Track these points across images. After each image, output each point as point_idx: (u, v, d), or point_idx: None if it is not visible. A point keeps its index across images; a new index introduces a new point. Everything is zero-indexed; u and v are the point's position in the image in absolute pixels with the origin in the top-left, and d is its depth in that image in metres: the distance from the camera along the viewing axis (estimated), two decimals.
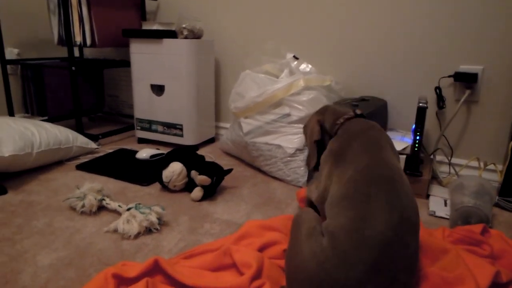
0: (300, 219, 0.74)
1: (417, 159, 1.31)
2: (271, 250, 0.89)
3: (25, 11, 2.07)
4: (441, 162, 1.54)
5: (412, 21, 1.49)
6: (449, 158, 1.52)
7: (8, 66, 1.92)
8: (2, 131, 1.32)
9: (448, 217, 1.17)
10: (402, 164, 1.33)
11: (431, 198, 1.30)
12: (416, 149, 1.30)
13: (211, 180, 1.23)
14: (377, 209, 0.64)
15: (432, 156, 1.52)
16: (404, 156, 1.33)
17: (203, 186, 1.25)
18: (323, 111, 1.04)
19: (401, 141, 1.38)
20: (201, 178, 1.22)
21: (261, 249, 0.89)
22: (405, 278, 0.60)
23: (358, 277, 0.58)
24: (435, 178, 1.49)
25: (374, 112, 1.41)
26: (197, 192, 1.24)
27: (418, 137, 1.29)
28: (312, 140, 1.00)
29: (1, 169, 1.30)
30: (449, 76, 1.46)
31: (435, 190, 1.37)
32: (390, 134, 1.47)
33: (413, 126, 1.31)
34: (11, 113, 1.90)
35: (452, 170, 1.51)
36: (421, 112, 1.27)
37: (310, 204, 0.99)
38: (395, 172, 0.73)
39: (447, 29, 1.44)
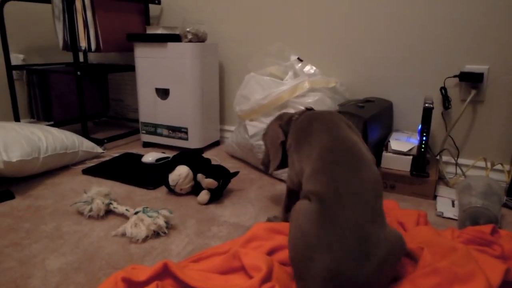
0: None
1: (423, 160, 1.31)
2: (280, 254, 0.89)
3: (29, 17, 2.09)
4: (447, 163, 1.53)
5: (416, 22, 1.49)
6: (456, 158, 1.51)
7: (14, 72, 1.93)
8: (9, 137, 1.32)
9: (456, 218, 1.16)
10: (408, 165, 1.33)
11: (438, 199, 1.29)
12: (422, 150, 1.30)
13: (218, 183, 1.23)
14: (343, 172, 0.78)
15: (438, 157, 1.52)
16: (411, 157, 1.33)
17: (209, 189, 1.25)
18: (279, 117, 1.13)
19: (407, 142, 1.38)
20: (207, 181, 1.22)
21: (270, 252, 0.89)
22: (368, 227, 0.72)
23: (341, 213, 0.73)
24: (442, 179, 1.48)
25: (379, 113, 1.41)
26: (204, 195, 1.24)
27: (424, 138, 1.29)
28: (278, 142, 1.06)
29: (9, 174, 1.31)
30: (455, 76, 1.45)
31: (442, 191, 1.36)
32: (395, 135, 1.47)
33: (419, 127, 1.30)
34: (17, 119, 1.91)
35: (459, 171, 1.51)
36: (427, 113, 1.27)
37: (290, 192, 1.05)
38: (355, 145, 0.85)
39: (452, 29, 1.44)
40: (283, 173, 1.43)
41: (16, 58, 2.04)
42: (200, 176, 1.25)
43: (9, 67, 1.84)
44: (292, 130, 1.03)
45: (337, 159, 0.82)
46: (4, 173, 1.29)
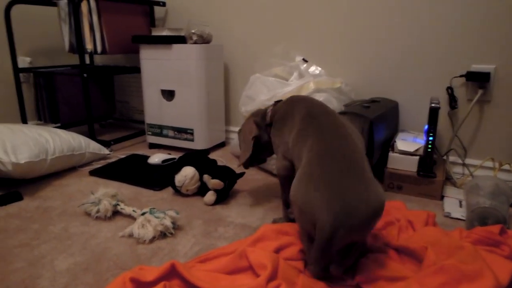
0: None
1: (430, 160, 1.30)
2: (286, 251, 0.89)
3: (36, 20, 2.10)
4: (454, 163, 1.52)
5: (422, 21, 1.48)
6: (463, 158, 1.50)
7: (21, 74, 1.95)
8: (18, 139, 1.34)
9: (464, 218, 1.15)
10: (415, 166, 1.32)
11: (445, 199, 1.29)
12: (429, 150, 1.30)
13: (224, 184, 1.23)
14: (328, 136, 0.89)
15: (445, 157, 1.51)
16: (417, 158, 1.32)
17: (216, 190, 1.25)
18: (254, 113, 1.20)
19: (414, 142, 1.37)
20: (214, 182, 1.23)
21: (277, 250, 0.89)
22: (368, 174, 0.82)
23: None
24: (449, 179, 1.48)
25: (385, 113, 1.40)
26: (210, 196, 1.24)
27: (431, 138, 1.28)
28: (251, 136, 1.14)
29: (17, 176, 1.32)
30: (461, 76, 1.45)
31: (450, 191, 1.36)
32: (401, 135, 1.46)
33: (426, 127, 1.30)
34: (24, 121, 1.93)
35: (466, 171, 1.50)
36: (433, 113, 1.26)
37: (285, 181, 1.07)
38: (334, 114, 0.97)
39: (459, 28, 1.43)
40: None
41: (23, 61, 2.05)
42: (206, 177, 1.25)
43: (16, 70, 1.85)
44: (275, 119, 1.11)
45: (321, 126, 0.92)
46: (13, 174, 1.30)
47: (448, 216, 1.18)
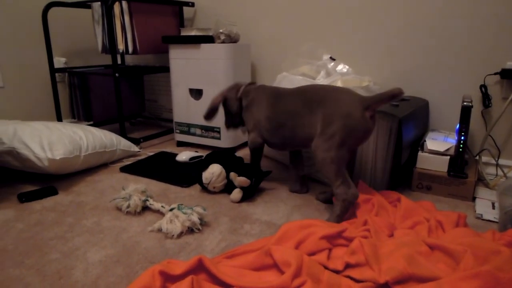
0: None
1: (461, 160, 1.26)
2: (307, 243, 0.89)
3: (70, 22, 2.19)
4: (487, 164, 1.47)
5: (454, 18, 1.44)
6: (496, 159, 1.45)
7: (56, 74, 2.03)
8: (54, 136, 1.40)
9: (496, 220, 1.12)
10: (445, 166, 1.29)
11: (477, 200, 1.25)
12: (460, 150, 1.26)
13: (250, 181, 1.25)
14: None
15: (477, 157, 1.46)
16: (448, 157, 1.29)
17: (242, 188, 1.26)
18: (230, 87, 1.43)
19: (444, 141, 1.34)
20: (240, 180, 1.24)
21: (298, 244, 0.89)
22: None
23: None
24: (481, 180, 1.43)
25: (414, 112, 1.37)
26: (236, 194, 1.26)
27: (462, 137, 1.25)
28: (214, 102, 1.39)
29: (53, 171, 1.38)
30: (495, 74, 1.40)
31: (482, 192, 1.31)
32: (432, 134, 1.43)
33: (457, 126, 1.26)
34: (59, 119, 2.01)
35: (499, 172, 1.45)
36: (465, 112, 1.23)
37: (254, 149, 1.34)
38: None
39: (493, 25, 1.38)
40: (316, 172, 1.43)
41: (59, 61, 2.14)
42: (232, 175, 1.27)
43: (52, 70, 1.93)
44: (246, 100, 1.35)
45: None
46: (49, 170, 1.36)
47: (480, 217, 1.14)
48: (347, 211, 1.08)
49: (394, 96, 1.04)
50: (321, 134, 1.10)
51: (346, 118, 1.06)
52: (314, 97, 1.15)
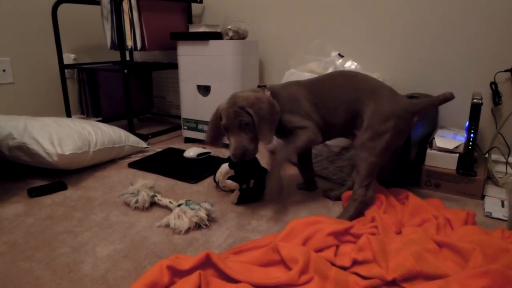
0: None
1: (471, 158, 1.25)
2: (315, 239, 0.89)
3: (80, 19, 2.20)
4: (497, 161, 1.46)
5: (464, 14, 1.43)
6: (506, 157, 1.44)
7: (66, 70, 2.05)
8: (63, 131, 1.41)
9: (506, 218, 1.11)
10: (454, 163, 1.28)
11: (486, 199, 1.24)
12: (469, 147, 1.25)
13: (247, 185, 1.22)
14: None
15: (487, 155, 1.45)
16: (457, 155, 1.28)
17: (240, 190, 1.23)
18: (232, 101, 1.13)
19: (453, 139, 1.33)
20: (228, 183, 1.24)
21: (306, 240, 0.90)
22: None
23: None
24: (490, 178, 1.42)
25: None
26: (233, 195, 1.24)
27: (472, 135, 1.24)
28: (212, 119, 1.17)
29: (62, 167, 1.39)
30: (506, 71, 1.38)
31: (491, 190, 1.30)
32: (441, 132, 1.42)
33: (467, 124, 1.25)
34: (68, 114, 2.03)
35: (509, 170, 1.43)
36: (475, 109, 1.22)
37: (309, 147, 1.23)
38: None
39: (503, 21, 1.36)
40: (326, 170, 1.42)
41: (68, 58, 2.16)
42: (220, 176, 1.26)
43: (62, 66, 1.95)
44: (282, 102, 1.14)
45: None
46: (58, 165, 1.37)
47: (489, 216, 1.13)
48: (360, 213, 1.07)
49: (446, 100, 1.01)
50: (369, 128, 1.05)
51: (399, 118, 1.04)
52: (361, 85, 1.09)
